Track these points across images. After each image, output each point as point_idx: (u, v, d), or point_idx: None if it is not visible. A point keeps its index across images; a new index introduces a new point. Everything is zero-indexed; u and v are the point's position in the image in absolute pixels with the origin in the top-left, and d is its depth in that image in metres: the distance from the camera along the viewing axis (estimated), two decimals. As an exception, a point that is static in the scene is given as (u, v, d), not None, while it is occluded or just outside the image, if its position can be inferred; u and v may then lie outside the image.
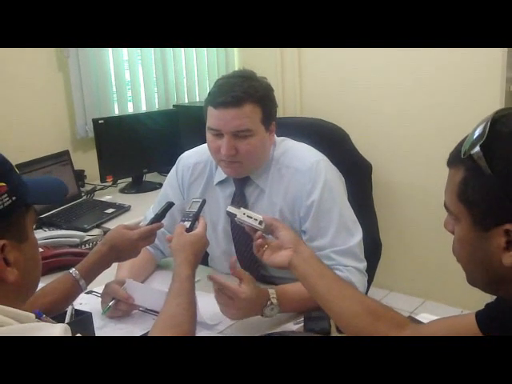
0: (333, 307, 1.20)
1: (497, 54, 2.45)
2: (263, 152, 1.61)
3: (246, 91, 1.51)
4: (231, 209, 1.39)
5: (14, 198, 0.83)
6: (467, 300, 2.88)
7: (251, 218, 1.34)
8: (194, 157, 1.75)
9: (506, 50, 2.42)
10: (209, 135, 1.57)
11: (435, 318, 1.23)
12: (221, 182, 1.69)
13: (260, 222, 1.32)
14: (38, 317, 1.11)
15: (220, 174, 1.69)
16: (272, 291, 1.44)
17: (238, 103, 1.50)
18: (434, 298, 3.14)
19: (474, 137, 0.81)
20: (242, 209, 1.38)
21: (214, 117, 1.53)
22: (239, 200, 1.63)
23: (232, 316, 1.41)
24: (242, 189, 1.66)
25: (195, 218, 1.40)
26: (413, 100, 2.98)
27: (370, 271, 1.69)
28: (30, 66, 2.68)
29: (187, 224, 1.38)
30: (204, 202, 1.45)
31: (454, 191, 0.85)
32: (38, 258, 0.93)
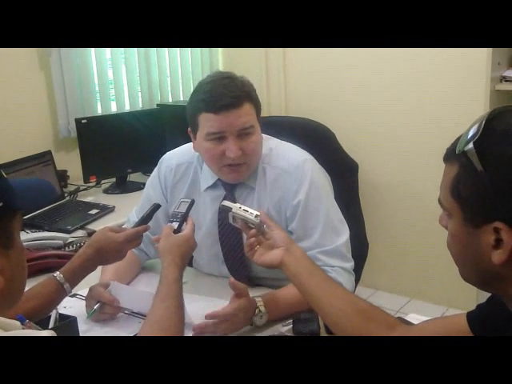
0: (323, 306, 1.19)
1: (481, 54, 2.47)
2: (262, 149, 1.61)
3: (242, 90, 1.51)
4: (227, 203, 1.38)
5: (0, 204, 0.81)
6: (452, 299, 2.92)
7: (247, 211, 1.33)
8: (176, 158, 1.73)
9: (490, 49, 2.44)
10: (208, 143, 1.53)
11: (424, 318, 1.23)
12: (209, 188, 1.67)
13: (256, 216, 1.31)
14: (21, 322, 1.09)
15: (206, 180, 1.66)
16: (258, 299, 1.43)
17: (238, 103, 1.49)
18: (419, 297, 3.15)
19: (470, 134, 0.82)
20: (237, 204, 1.37)
21: (214, 121, 1.50)
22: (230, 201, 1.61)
23: (225, 331, 1.38)
24: (232, 191, 1.64)
25: (183, 218, 1.38)
26: (398, 99, 2.99)
27: (357, 270, 1.69)
28: (11, 65, 2.64)
29: (175, 225, 1.36)
30: (193, 202, 1.43)
31: (447, 187, 0.85)
32: (25, 264, 0.91)
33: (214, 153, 1.54)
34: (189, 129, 1.60)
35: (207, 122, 1.52)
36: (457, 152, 0.83)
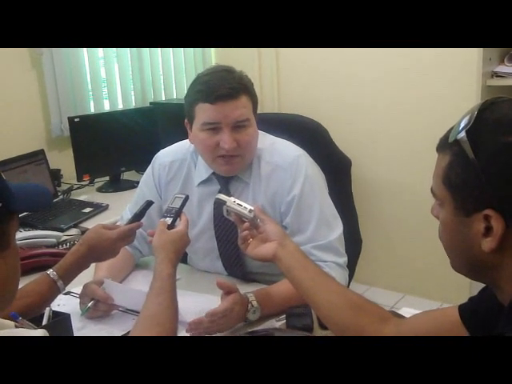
0: (316, 299, 1.20)
1: (473, 51, 2.48)
2: (256, 144, 1.61)
3: (239, 83, 1.52)
4: (221, 196, 1.38)
5: None
6: (447, 294, 2.93)
7: (241, 205, 1.32)
8: (170, 155, 1.73)
9: (481, 46, 2.45)
10: (203, 133, 1.54)
11: (417, 312, 1.23)
12: (202, 182, 1.67)
13: (250, 211, 1.31)
14: (15, 319, 1.09)
15: (200, 175, 1.66)
16: (250, 295, 1.43)
17: (235, 95, 1.50)
18: (414, 293, 3.16)
19: (462, 123, 0.82)
20: (232, 197, 1.37)
21: (211, 111, 1.51)
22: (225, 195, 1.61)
23: (220, 327, 1.38)
24: (227, 185, 1.64)
25: (177, 214, 1.38)
26: (391, 95, 3.00)
27: (351, 266, 1.69)
28: (2, 64, 2.62)
29: (169, 220, 1.36)
30: (187, 198, 1.43)
31: (439, 175, 0.86)
32: (18, 265, 0.90)
33: (208, 143, 1.54)
34: (185, 120, 1.60)
35: (203, 113, 1.52)
36: (449, 141, 0.84)
